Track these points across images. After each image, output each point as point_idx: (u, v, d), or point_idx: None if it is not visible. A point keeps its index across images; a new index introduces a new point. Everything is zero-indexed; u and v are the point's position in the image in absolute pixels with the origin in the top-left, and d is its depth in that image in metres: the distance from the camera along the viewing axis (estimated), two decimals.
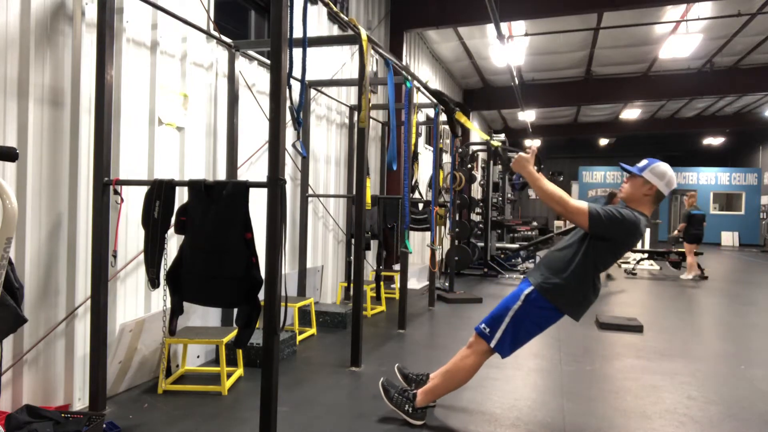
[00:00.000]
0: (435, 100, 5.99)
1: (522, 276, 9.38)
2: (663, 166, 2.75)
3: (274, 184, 2.50)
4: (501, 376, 3.85)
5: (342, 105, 6.48)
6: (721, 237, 19.92)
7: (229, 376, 3.50)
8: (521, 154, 2.79)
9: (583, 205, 2.63)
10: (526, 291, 2.76)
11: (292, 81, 2.67)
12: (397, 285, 7.31)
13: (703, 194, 20.35)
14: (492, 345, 2.77)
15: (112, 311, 3.21)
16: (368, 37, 3.79)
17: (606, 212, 2.60)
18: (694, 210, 10.09)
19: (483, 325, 2.83)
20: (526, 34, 9.61)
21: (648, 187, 2.72)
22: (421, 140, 9.15)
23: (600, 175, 21.27)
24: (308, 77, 5.09)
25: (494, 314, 2.82)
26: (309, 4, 4.70)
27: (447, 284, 7.45)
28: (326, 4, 3.75)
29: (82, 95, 2.99)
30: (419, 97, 5.68)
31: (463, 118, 3.02)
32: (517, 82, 10.82)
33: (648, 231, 13.13)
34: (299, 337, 4.69)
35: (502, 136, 11.95)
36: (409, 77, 4.91)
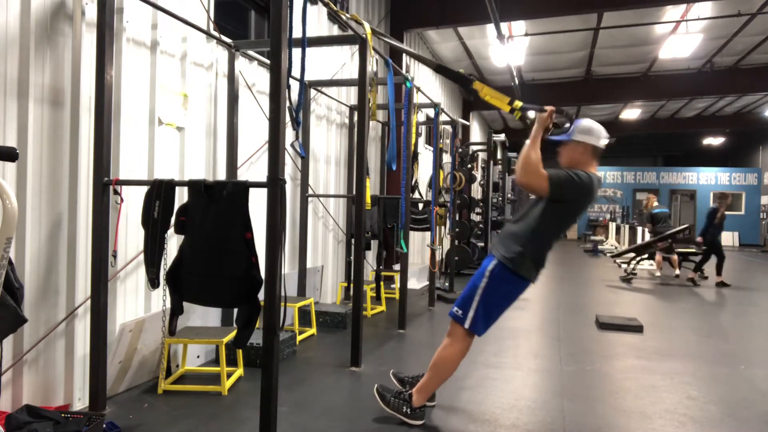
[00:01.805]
0: (436, 99, 5.99)
1: None
2: (586, 122, 2.84)
3: (274, 184, 2.50)
4: (501, 376, 3.85)
5: (342, 105, 6.48)
6: (721, 237, 19.89)
7: (229, 376, 3.50)
8: (540, 114, 2.79)
9: (545, 171, 2.70)
10: (489, 267, 2.81)
11: (291, 81, 2.67)
12: (397, 285, 7.31)
13: (703, 194, 20.36)
14: (467, 326, 2.81)
15: (112, 311, 3.21)
16: (372, 30, 3.79)
17: (563, 174, 2.70)
18: (656, 209, 10.17)
19: (455, 309, 2.87)
20: (526, 34, 9.61)
21: (582, 147, 2.82)
22: (421, 140, 9.15)
23: (600, 175, 21.19)
24: (308, 77, 5.09)
25: (463, 296, 2.86)
26: (309, 4, 4.70)
27: (447, 284, 7.45)
28: (326, 4, 3.75)
29: (82, 95, 2.99)
30: (419, 97, 5.68)
31: (479, 86, 3.03)
32: (517, 82, 10.83)
33: (648, 231, 13.13)
34: (299, 337, 4.69)
35: (502, 136, 11.94)
36: (409, 76, 4.91)
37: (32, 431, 2.34)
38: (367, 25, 3.74)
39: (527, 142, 2.76)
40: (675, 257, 9.87)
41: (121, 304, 3.34)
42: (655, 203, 10.41)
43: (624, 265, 11.22)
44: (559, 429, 2.98)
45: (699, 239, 9.07)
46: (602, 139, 2.83)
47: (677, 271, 9.85)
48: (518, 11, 8.00)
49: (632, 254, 9.56)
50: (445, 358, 2.91)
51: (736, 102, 15.71)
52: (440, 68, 3.21)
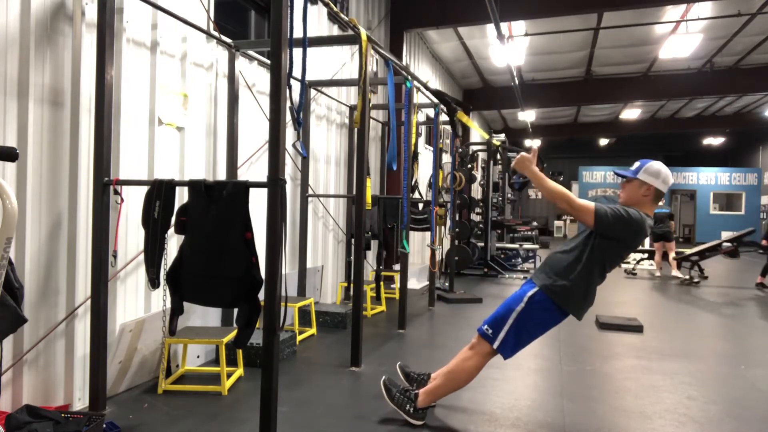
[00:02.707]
0: (436, 100, 5.99)
1: (524, 278, 9.39)
2: (656, 165, 2.77)
3: (274, 184, 2.50)
4: (501, 376, 3.85)
5: (342, 105, 6.48)
6: (721, 237, 19.86)
7: (229, 376, 3.50)
8: (523, 153, 2.79)
9: (590, 203, 2.65)
10: (530, 293, 2.76)
11: (292, 81, 2.67)
12: (397, 285, 7.32)
13: (704, 194, 20.36)
14: (495, 346, 2.78)
15: (112, 311, 3.21)
16: (368, 37, 3.79)
17: (612, 211, 2.62)
18: (656, 209, 10.14)
19: (486, 326, 2.83)
20: (526, 34, 9.61)
21: (646, 188, 2.74)
22: (421, 140, 9.15)
23: (600, 175, 21.26)
24: (308, 77, 5.09)
25: (497, 315, 2.81)
26: (309, 4, 4.70)
27: (447, 284, 7.45)
28: (326, 4, 3.75)
29: (82, 95, 2.99)
30: (419, 97, 5.68)
31: (464, 118, 3.03)
32: (517, 82, 10.82)
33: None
34: (299, 337, 4.69)
35: (502, 136, 11.93)
36: (409, 78, 4.91)
37: (32, 431, 2.34)
38: (363, 33, 3.73)
39: (535, 181, 2.73)
40: (673, 258, 9.88)
41: (121, 304, 3.34)
42: (660, 202, 10.35)
43: (624, 265, 11.23)
44: (559, 429, 2.98)
45: (764, 242, 9.03)
46: (668, 184, 2.77)
47: (675, 272, 9.86)
48: (518, 11, 8.00)
49: (696, 257, 9.34)
50: (463, 369, 2.89)
51: (736, 102, 15.71)
52: (437, 94, 3.20)
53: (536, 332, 2.81)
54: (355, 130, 4.56)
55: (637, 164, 2.83)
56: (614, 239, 2.66)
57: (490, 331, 2.80)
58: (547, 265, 2.83)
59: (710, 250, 9.30)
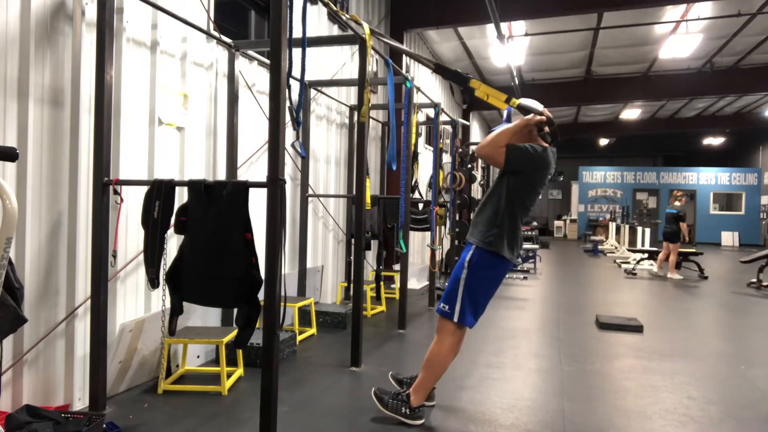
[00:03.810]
0: (437, 99, 5.99)
1: (523, 278, 9.39)
2: (523, 101, 2.90)
3: (274, 184, 2.50)
4: (501, 376, 3.85)
5: (342, 105, 6.48)
6: (721, 237, 19.92)
7: (229, 376, 3.51)
8: (534, 117, 2.85)
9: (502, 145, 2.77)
10: (467, 257, 2.84)
11: (291, 81, 2.67)
12: (397, 285, 7.32)
13: (703, 194, 20.37)
14: (455, 320, 2.83)
15: (112, 311, 3.21)
16: (371, 30, 3.79)
17: (519, 146, 2.77)
18: (668, 209, 10.24)
19: (442, 305, 2.90)
20: (526, 34, 9.61)
21: (528, 130, 2.88)
22: (421, 140, 9.15)
23: (600, 175, 21.27)
24: (308, 77, 5.09)
25: (447, 290, 2.90)
26: (309, 4, 4.70)
27: (447, 284, 7.44)
28: (326, 4, 3.75)
29: (82, 95, 2.99)
30: (419, 97, 5.68)
31: (476, 84, 3.06)
32: (517, 82, 10.83)
33: (648, 231, 13.14)
34: (299, 337, 4.69)
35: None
36: (410, 76, 4.91)
37: (32, 431, 2.34)
38: (366, 26, 3.74)
39: (502, 127, 2.83)
40: (673, 259, 9.85)
41: (121, 304, 3.34)
42: (676, 203, 10.17)
43: (624, 265, 11.23)
44: (559, 429, 2.98)
45: None
46: (539, 112, 2.88)
47: (671, 274, 9.83)
48: (518, 11, 8.00)
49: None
50: (437, 354, 2.92)
51: (736, 102, 15.71)
52: (439, 68, 3.22)
53: (488, 291, 2.89)
54: (355, 130, 4.56)
55: (504, 113, 2.99)
56: (523, 172, 2.81)
57: (446, 307, 2.86)
58: (474, 224, 2.92)
59: None
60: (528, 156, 2.77)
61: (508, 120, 2.94)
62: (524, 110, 2.90)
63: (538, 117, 2.84)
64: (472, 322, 2.88)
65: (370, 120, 6.53)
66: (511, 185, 2.82)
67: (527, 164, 2.80)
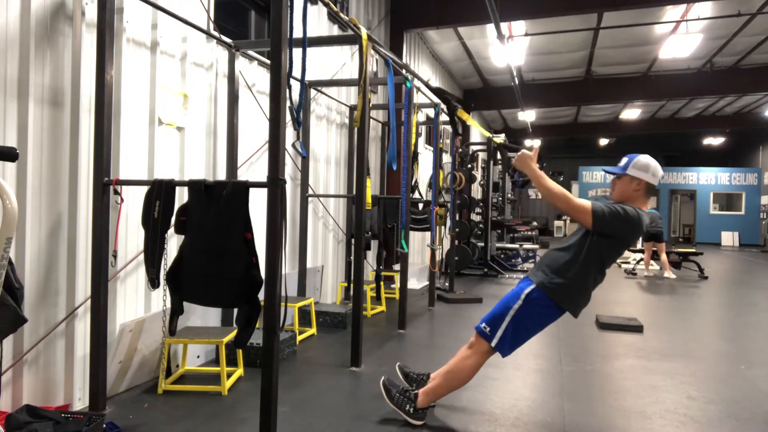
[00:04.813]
0: (436, 100, 5.99)
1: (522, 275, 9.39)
2: (644, 159, 2.77)
3: (274, 184, 2.50)
4: (501, 376, 3.85)
5: (342, 105, 6.48)
6: (721, 237, 19.93)
7: (229, 376, 3.50)
8: (524, 151, 2.79)
9: (587, 203, 2.66)
10: (527, 290, 2.76)
11: (292, 81, 2.67)
12: (397, 285, 7.31)
13: (704, 194, 20.37)
14: (493, 344, 2.78)
15: (112, 311, 3.21)
16: (368, 36, 3.79)
17: (610, 209, 2.63)
18: (648, 209, 10.27)
19: (483, 325, 2.83)
20: (526, 34, 9.61)
21: (636, 183, 2.75)
22: (421, 140, 9.15)
23: (600, 175, 21.26)
24: (308, 77, 5.09)
25: (494, 313, 2.82)
26: (309, 4, 4.70)
27: (447, 284, 7.45)
28: (326, 4, 3.75)
29: (82, 95, 2.99)
30: (419, 97, 5.68)
31: (465, 116, 3.03)
32: (517, 82, 10.82)
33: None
34: (299, 337, 4.69)
35: (503, 136, 11.93)
36: (409, 77, 4.91)
37: (32, 431, 2.34)
38: (364, 32, 3.73)
39: (535, 180, 2.72)
40: (664, 258, 9.89)
41: (121, 304, 3.34)
42: (649, 207, 10.48)
43: (624, 265, 11.23)
44: (559, 429, 2.98)
45: None
46: (658, 177, 2.75)
47: (667, 273, 9.86)
48: (518, 11, 8.00)
49: None
50: (462, 368, 2.88)
51: (736, 102, 15.71)
52: (437, 91, 3.20)
53: (534, 329, 2.81)
54: (356, 129, 4.56)
55: (625, 160, 2.82)
56: (611, 237, 2.67)
57: (488, 329, 2.80)
58: (544, 263, 2.83)
59: None
60: (620, 220, 2.61)
61: (625, 168, 2.76)
62: (506, 149, 2.86)
63: (534, 149, 2.78)
64: (507, 353, 2.81)
65: (370, 120, 6.53)
66: (594, 244, 2.68)
67: (617, 229, 2.65)
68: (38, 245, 2.83)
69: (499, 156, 10.19)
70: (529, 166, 2.75)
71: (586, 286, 2.76)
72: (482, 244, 9.87)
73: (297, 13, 2.78)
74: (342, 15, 3.64)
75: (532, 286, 2.76)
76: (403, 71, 4.85)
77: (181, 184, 2.89)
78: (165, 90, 3.61)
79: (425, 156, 9.56)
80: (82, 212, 3.04)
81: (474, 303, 6.75)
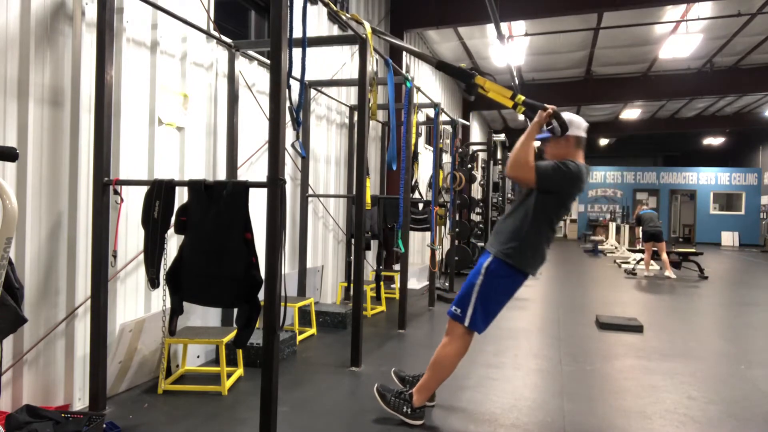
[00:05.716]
0: (436, 100, 5.99)
1: None
2: (565, 115, 2.83)
3: (274, 184, 2.50)
4: (501, 376, 3.85)
5: (342, 105, 6.48)
6: (721, 237, 19.93)
7: (229, 376, 3.50)
8: (540, 111, 2.81)
9: (533, 163, 2.72)
10: (485, 263, 2.82)
11: (291, 81, 2.67)
12: (397, 285, 7.31)
13: (704, 194, 20.38)
14: (466, 324, 2.82)
15: (112, 311, 3.21)
16: (373, 29, 3.79)
17: (551, 165, 2.72)
18: (642, 211, 10.53)
19: (454, 308, 2.88)
20: (526, 34, 9.61)
21: (564, 140, 2.83)
22: (421, 140, 9.15)
23: (600, 175, 21.28)
24: (308, 77, 5.09)
25: (461, 294, 2.87)
26: (309, 4, 4.70)
27: (447, 284, 7.45)
28: (326, 4, 3.75)
29: (82, 95, 2.99)
30: (419, 97, 5.68)
31: (487, 83, 3.02)
32: (517, 82, 10.82)
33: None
34: (299, 337, 4.69)
35: (502, 136, 11.94)
36: (410, 76, 4.91)
37: (32, 431, 2.34)
38: (367, 25, 3.74)
39: (521, 138, 2.78)
40: (665, 258, 9.90)
41: (121, 304, 3.34)
42: (644, 207, 10.88)
43: (624, 265, 11.24)
44: (559, 429, 2.98)
45: None
46: (582, 129, 2.85)
47: (668, 273, 9.87)
48: (518, 11, 8.00)
49: None
50: (444, 356, 2.92)
51: (736, 102, 15.70)
52: (441, 65, 3.20)
53: (502, 300, 2.87)
54: (355, 130, 4.56)
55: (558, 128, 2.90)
56: (556, 192, 2.75)
57: (459, 310, 2.85)
58: (496, 233, 2.89)
59: None
60: (561, 175, 2.70)
61: (550, 131, 2.85)
62: (529, 107, 2.87)
63: (549, 109, 2.79)
64: (482, 329, 2.86)
65: (370, 120, 6.54)
66: (540, 202, 2.75)
67: (560, 184, 2.73)
68: (38, 245, 2.83)
69: (499, 156, 10.20)
70: (535, 124, 2.77)
71: (539, 243, 2.82)
72: (482, 244, 9.87)
73: (297, 13, 2.78)
74: (342, 14, 3.63)
75: (490, 258, 2.82)
76: (402, 72, 4.84)
77: (181, 184, 2.89)
78: (165, 90, 3.61)
79: (425, 156, 9.55)
80: (82, 212, 3.04)
81: None
